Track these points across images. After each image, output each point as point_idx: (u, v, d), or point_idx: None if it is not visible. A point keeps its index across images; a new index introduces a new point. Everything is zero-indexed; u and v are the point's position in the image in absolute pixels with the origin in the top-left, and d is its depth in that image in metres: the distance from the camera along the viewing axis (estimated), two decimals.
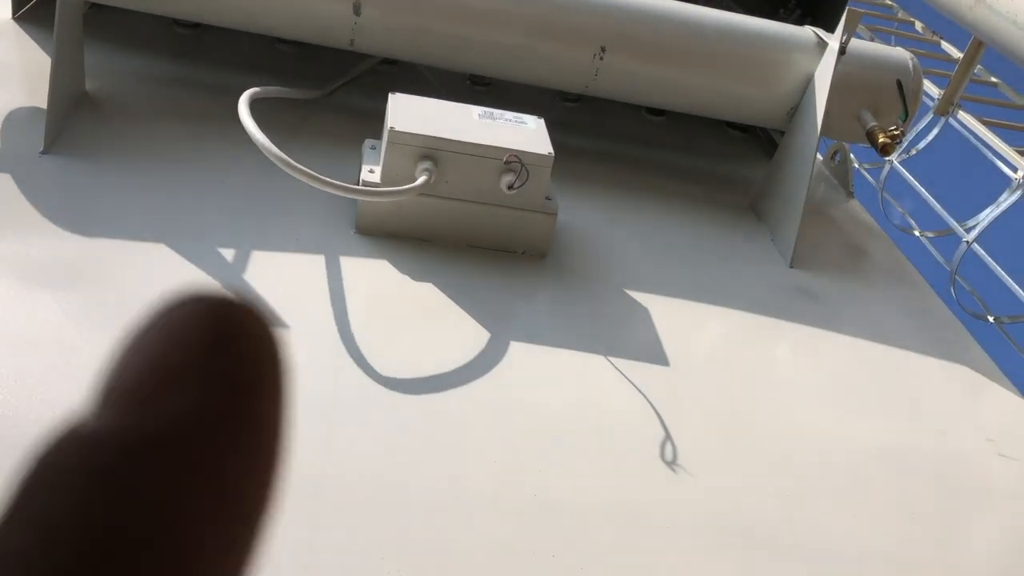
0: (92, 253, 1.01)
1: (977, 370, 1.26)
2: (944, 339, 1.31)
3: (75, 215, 1.06)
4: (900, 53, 1.50)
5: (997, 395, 1.23)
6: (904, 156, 2.39)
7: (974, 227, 2.18)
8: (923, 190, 2.36)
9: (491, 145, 1.12)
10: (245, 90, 1.37)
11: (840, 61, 1.39)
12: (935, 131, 2.44)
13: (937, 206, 2.33)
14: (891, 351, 1.24)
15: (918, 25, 2.91)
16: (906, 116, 1.41)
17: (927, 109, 2.45)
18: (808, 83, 1.44)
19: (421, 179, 1.08)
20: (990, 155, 2.30)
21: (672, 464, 0.92)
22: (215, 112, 1.31)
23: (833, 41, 1.41)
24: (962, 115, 2.44)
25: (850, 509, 0.95)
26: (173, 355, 0.16)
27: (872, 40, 2.75)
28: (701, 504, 0.90)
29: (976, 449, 1.11)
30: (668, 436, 0.96)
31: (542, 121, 1.21)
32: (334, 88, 1.49)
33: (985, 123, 2.41)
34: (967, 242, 2.16)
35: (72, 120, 1.23)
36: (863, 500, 0.97)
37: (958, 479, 1.05)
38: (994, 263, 2.05)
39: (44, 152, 1.14)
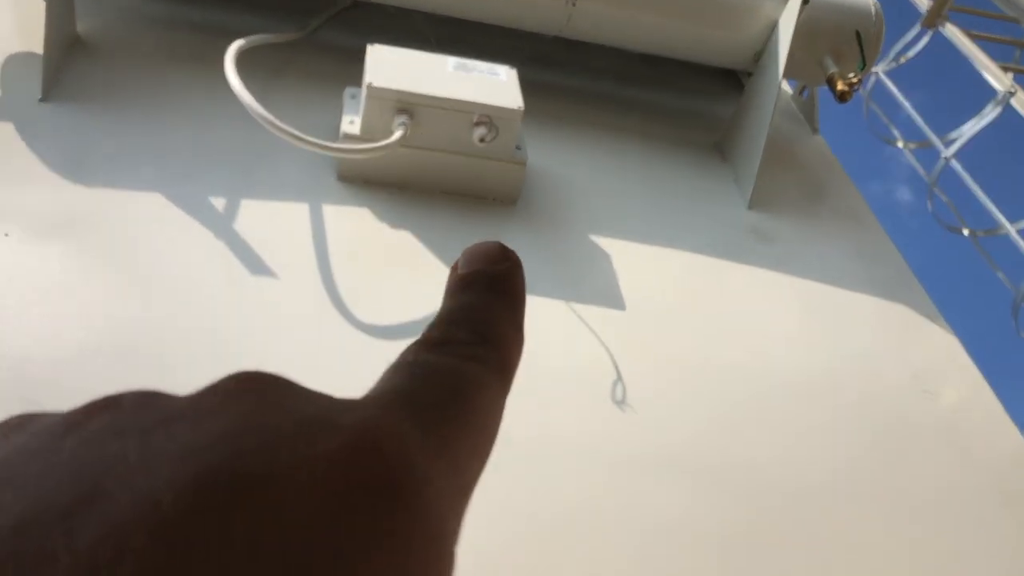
0: (92, 202, 1.09)
1: (916, 309, 1.36)
2: (888, 279, 1.41)
3: (75, 164, 1.13)
4: None
5: (932, 334, 1.34)
6: (893, 65, 2.45)
7: (955, 140, 2.25)
8: (906, 102, 2.42)
9: (464, 99, 1.19)
10: (231, 27, 1.42)
11: (804, 9, 1.45)
12: (924, 41, 2.47)
13: (919, 119, 2.39)
14: (836, 291, 1.34)
15: None
16: (864, 66, 1.47)
17: (918, 16, 2.48)
18: (773, 28, 1.50)
19: (397, 134, 1.15)
20: (976, 68, 2.34)
21: (621, 403, 1.03)
22: (203, 53, 1.36)
23: None
24: (950, 27, 2.48)
25: (780, 440, 1.07)
26: None
27: None
28: (645, 437, 1.01)
29: (906, 385, 1.22)
30: (619, 376, 1.06)
31: (514, 72, 1.28)
32: (316, 27, 1.54)
33: (972, 36, 2.45)
34: (945, 158, 2.24)
35: (66, 65, 1.29)
36: (792, 432, 1.09)
37: (885, 413, 1.17)
38: (970, 178, 2.12)
39: (42, 100, 1.21)
